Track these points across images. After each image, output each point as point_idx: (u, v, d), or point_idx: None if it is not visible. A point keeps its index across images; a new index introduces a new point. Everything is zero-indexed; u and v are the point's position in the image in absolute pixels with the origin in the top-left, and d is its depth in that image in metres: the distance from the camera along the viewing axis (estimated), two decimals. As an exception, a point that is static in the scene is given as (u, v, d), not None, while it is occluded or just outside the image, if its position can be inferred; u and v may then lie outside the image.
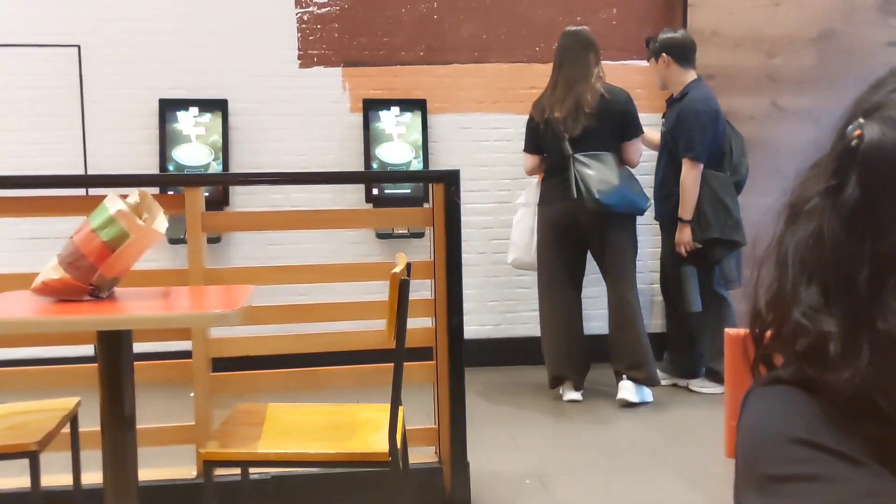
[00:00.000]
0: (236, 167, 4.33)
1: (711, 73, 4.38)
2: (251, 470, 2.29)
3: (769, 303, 0.66)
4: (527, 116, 3.92)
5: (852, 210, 0.61)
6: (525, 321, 4.62)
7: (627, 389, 3.77)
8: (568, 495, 2.77)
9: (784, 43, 4.45)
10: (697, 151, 3.72)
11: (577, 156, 3.66)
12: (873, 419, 0.59)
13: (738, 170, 3.86)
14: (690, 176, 3.74)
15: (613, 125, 3.70)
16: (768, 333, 0.67)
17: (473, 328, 4.55)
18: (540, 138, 3.79)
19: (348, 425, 2.09)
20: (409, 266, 2.17)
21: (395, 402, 1.95)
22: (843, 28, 4.47)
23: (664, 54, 3.84)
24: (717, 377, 3.90)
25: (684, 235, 3.79)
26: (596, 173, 3.62)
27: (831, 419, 0.60)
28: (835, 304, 0.61)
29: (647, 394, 3.82)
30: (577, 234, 3.78)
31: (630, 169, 3.80)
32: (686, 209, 3.75)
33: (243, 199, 4.33)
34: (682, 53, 3.83)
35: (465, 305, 4.48)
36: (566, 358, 3.84)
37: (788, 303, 0.63)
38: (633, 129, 3.75)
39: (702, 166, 3.74)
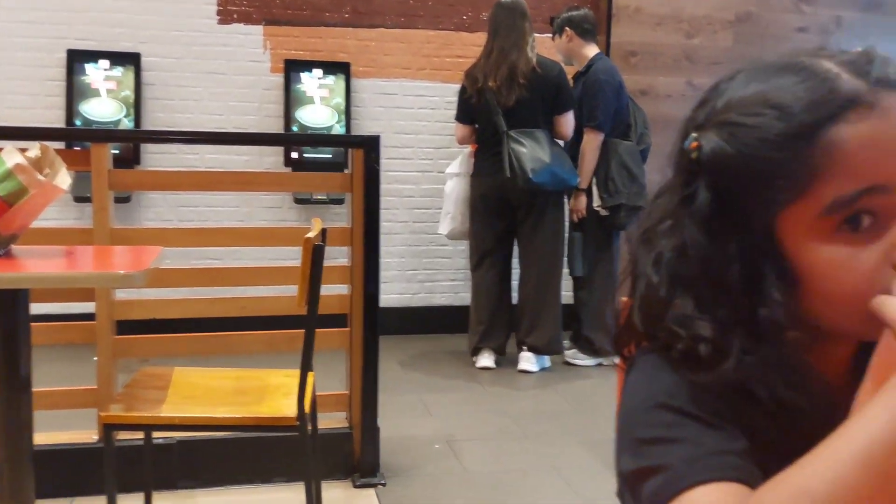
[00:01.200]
0: (149, 124, 4.18)
1: (633, 50, 4.45)
2: (155, 434, 2.25)
3: (641, 320, 0.69)
4: (453, 85, 3.90)
5: (709, 214, 0.65)
6: (444, 290, 4.64)
7: (526, 360, 3.87)
8: (474, 459, 2.82)
9: (703, 24, 4.56)
10: (599, 120, 3.77)
11: (510, 132, 3.68)
12: (738, 394, 0.62)
13: (644, 139, 3.96)
14: (592, 144, 3.79)
15: (545, 98, 3.72)
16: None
17: (393, 297, 4.55)
18: (472, 109, 3.79)
19: (257, 390, 2.07)
20: (324, 232, 2.14)
21: (305, 368, 1.94)
22: (759, 12, 4.61)
23: (567, 28, 3.90)
24: (591, 348, 3.94)
25: (579, 203, 3.87)
26: (529, 151, 3.65)
27: (697, 388, 0.63)
28: (708, 309, 0.64)
29: (546, 360, 3.92)
30: (508, 208, 3.82)
31: (561, 145, 3.84)
32: (583, 177, 3.81)
33: (156, 158, 4.19)
34: (584, 28, 3.90)
35: (385, 274, 4.51)
36: (490, 329, 3.89)
37: (659, 315, 0.66)
38: (565, 102, 3.78)
39: (603, 136, 3.80)
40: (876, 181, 0.60)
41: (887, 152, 0.60)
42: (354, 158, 2.60)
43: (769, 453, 0.57)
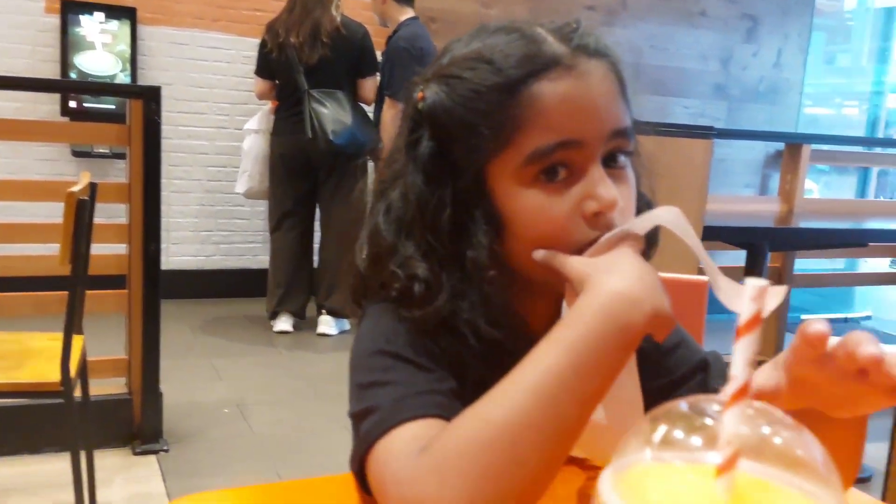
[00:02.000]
0: None
1: (433, 16, 4.50)
2: None
3: (368, 268, 0.73)
4: (250, 39, 3.74)
5: (428, 160, 0.70)
6: (241, 253, 4.51)
7: (325, 323, 3.86)
8: (265, 422, 2.79)
9: (502, -5, 4.68)
10: (395, 89, 3.66)
11: (311, 92, 3.59)
12: (451, 336, 0.68)
13: None
14: (388, 114, 3.71)
15: (349, 59, 3.67)
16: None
17: (185, 259, 4.36)
18: (273, 64, 3.66)
19: (16, 354, 1.92)
20: (93, 186, 2.01)
21: (69, 330, 1.82)
22: (552, -12, 4.80)
23: None
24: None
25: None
26: (330, 112, 3.59)
27: (413, 333, 0.68)
28: (423, 251, 0.69)
29: (345, 323, 3.92)
30: (309, 169, 3.74)
31: (365, 109, 3.80)
32: (385, 147, 3.80)
33: None
34: None
35: (177, 235, 4.32)
36: (289, 292, 3.83)
37: (386, 260, 0.70)
38: (368, 65, 3.74)
39: (401, 105, 3.74)
40: (569, 136, 0.66)
41: (580, 110, 0.66)
42: (133, 109, 2.44)
43: (480, 392, 0.61)
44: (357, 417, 0.65)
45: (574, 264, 0.64)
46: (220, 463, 2.47)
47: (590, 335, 0.57)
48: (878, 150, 5.00)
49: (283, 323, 3.85)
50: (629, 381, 0.69)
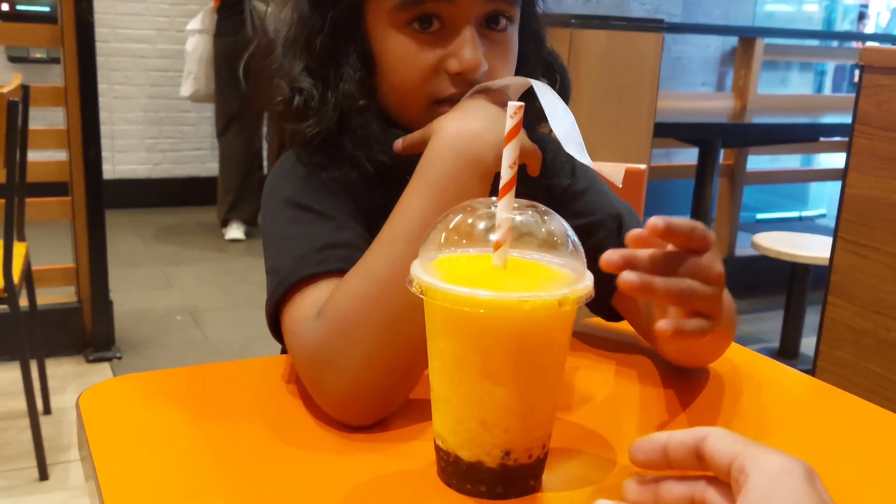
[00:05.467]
0: None
1: None
2: None
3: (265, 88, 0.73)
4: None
5: None
6: (189, 160, 4.42)
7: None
8: (217, 328, 2.80)
9: None
10: None
11: None
12: (342, 164, 0.69)
13: None
14: None
15: None
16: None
17: (131, 167, 4.27)
18: None
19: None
20: (26, 89, 1.93)
21: (9, 237, 1.79)
22: None
23: None
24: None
25: None
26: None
27: (314, 179, 0.69)
28: (307, 69, 0.70)
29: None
30: None
31: None
32: None
33: None
34: None
35: (122, 143, 4.21)
36: (239, 199, 3.78)
37: (277, 78, 0.71)
38: None
39: None
40: None
41: None
42: (64, 9, 2.33)
43: None
44: (267, 273, 0.67)
45: (421, 130, 0.66)
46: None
47: (443, 175, 0.61)
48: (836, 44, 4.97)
49: (235, 230, 3.81)
50: None
